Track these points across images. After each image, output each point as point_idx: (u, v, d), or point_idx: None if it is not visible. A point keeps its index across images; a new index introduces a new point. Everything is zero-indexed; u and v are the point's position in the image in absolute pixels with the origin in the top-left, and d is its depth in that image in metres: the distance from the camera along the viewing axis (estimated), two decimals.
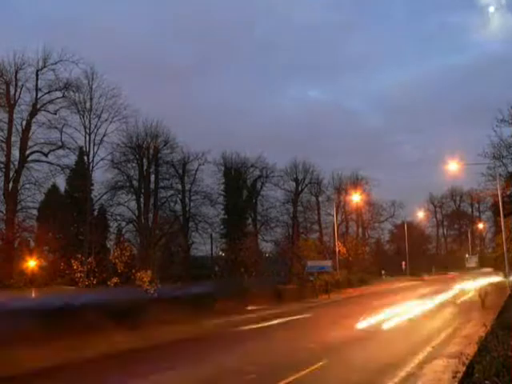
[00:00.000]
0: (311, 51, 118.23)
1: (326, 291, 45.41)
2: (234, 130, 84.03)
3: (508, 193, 38.86)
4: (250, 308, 30.19)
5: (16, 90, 32.54)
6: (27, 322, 16.07)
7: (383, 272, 69.52)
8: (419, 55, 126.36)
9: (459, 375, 8.11)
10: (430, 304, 29.88)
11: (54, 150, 34.30)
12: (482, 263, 73.50)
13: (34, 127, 33.42)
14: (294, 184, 58.89)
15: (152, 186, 43.22)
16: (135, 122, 40.85)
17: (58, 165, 34.62)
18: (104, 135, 37.70)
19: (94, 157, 37.60)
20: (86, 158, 37.25)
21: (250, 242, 47.00)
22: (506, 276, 38.06)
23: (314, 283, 46.52)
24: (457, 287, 43.56)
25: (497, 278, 47.95)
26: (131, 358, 16.20)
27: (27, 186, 33.32)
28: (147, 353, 17.07)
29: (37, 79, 33.22)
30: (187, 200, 46.58)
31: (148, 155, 42.52)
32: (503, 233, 35.59)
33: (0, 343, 14.18)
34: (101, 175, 39.45)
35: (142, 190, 41.65)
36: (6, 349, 13.94)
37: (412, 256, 71.93)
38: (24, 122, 33.07)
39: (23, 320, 16.17)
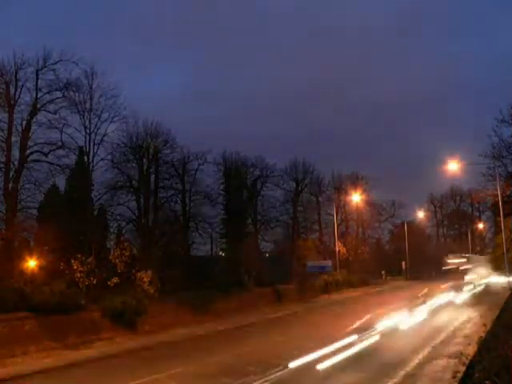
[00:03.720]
0: None
1: (326, 291, 45.43)
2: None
3: (508, 193, 38.81)
4: None
5: (16, 90, 32.42)
6: None
7: (383, 272, 69.47)
8: None
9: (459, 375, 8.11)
10: None
11: (53, 150, 34.22)
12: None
13: (33, 127, 33.33)
14: (294, 184, 58.89)
15: (152, 186, 43.14)
16: (135, 122, 40.87)
17: (58, 165, 34.54)
18: (104, 135, 37.73)
19: (93, 157, 37.61)
20: (85, 157, 37.23)
21: (250, 241, 46.97)
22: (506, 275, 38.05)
23: (314, 284, 46.56)
24: None
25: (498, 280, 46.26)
26: None
27: (27, 186, 33.24)
28: None
29: (37, 79, 33.14)
30: (187, 200, 46.51)
31: (148, 155, 42.41)
32: (503, 233, 35.63)
33: None
34: (101, 175, 39.36)
35: (142, 190, 41.58)
36: None
37: (412, 256, 71.85)
38: (24, 122, 32.98)
39: None
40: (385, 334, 18.77)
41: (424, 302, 29.18)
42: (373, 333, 18.85)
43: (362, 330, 19.80)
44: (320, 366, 12.97)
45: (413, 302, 29.04)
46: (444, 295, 34.57)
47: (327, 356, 13.93)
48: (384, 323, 20.69)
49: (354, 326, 21.75)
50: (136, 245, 39.53)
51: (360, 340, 17.14)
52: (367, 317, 24.50)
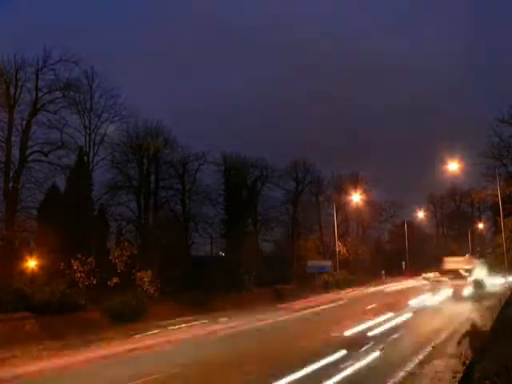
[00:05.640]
0: None
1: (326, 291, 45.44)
2: None
3: (508, 193, 38.85)
4: None
5: (16, 90, 32.51)
6: None
7: (383, 272, 69.51)
8: None
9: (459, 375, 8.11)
10: None
11: (54, 150, 34.31)
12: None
13: (34, 127, 33.45)
14: (294, 184, 59.03)
15: (152, 185, 43.21)
16: (135, 122, 40.95)
17: (58, 165, 34.65)
18: (104, 135, 37.81)
19: (94, 157, 37.70)
20: (85, 157, 37.26)
21: (249, 241, 47.00)
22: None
23: (314, 283, 46.60)
24: None
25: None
26: None
27: (27, 185, 33.32)
28: None
29: (37, 79, 33.21)
30: (187, 200, 46.56)
31: (148, 155, 42.48)
32: (503, 233, 35.66)
33: None
34: (101, 175, 39.48)
35: (142, 190, 41.63)
36: None
37: (412, 256, 71.86)
38: (24, 122, 33.06)
39: None
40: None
41: None
42: None
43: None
44: None
45: None
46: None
47: None
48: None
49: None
50: (136, 245, 39.58)
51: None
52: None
